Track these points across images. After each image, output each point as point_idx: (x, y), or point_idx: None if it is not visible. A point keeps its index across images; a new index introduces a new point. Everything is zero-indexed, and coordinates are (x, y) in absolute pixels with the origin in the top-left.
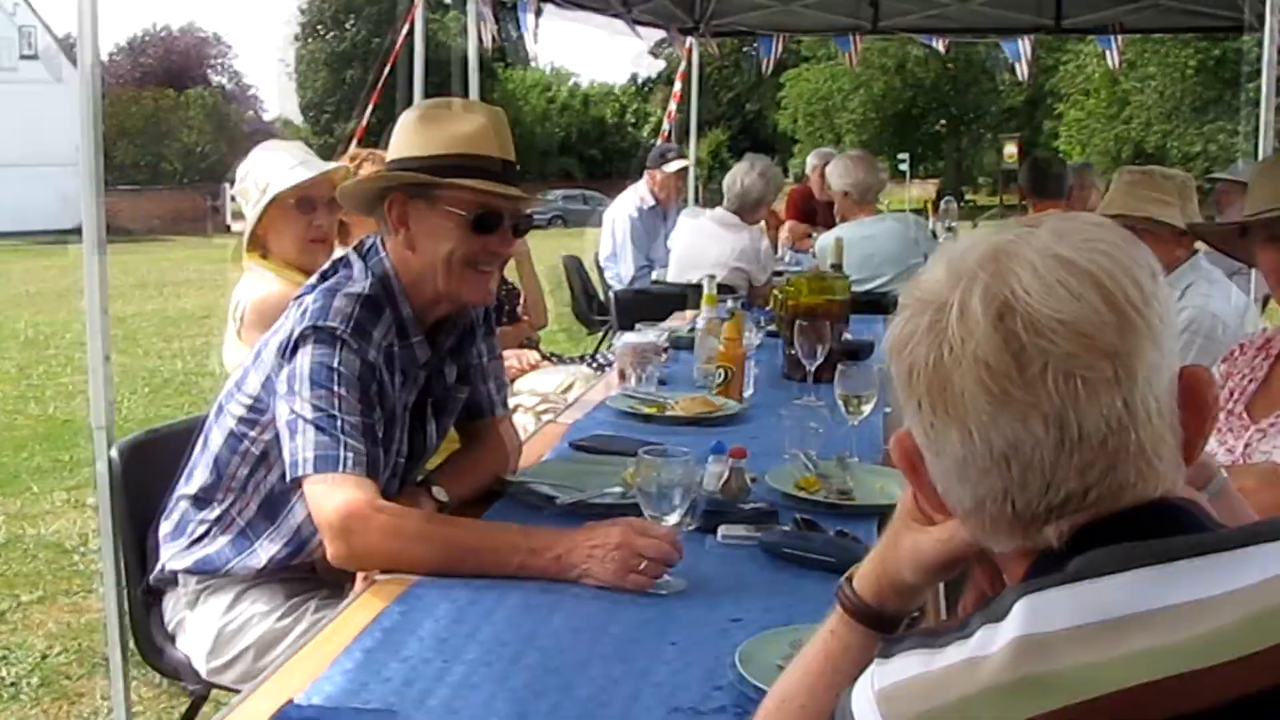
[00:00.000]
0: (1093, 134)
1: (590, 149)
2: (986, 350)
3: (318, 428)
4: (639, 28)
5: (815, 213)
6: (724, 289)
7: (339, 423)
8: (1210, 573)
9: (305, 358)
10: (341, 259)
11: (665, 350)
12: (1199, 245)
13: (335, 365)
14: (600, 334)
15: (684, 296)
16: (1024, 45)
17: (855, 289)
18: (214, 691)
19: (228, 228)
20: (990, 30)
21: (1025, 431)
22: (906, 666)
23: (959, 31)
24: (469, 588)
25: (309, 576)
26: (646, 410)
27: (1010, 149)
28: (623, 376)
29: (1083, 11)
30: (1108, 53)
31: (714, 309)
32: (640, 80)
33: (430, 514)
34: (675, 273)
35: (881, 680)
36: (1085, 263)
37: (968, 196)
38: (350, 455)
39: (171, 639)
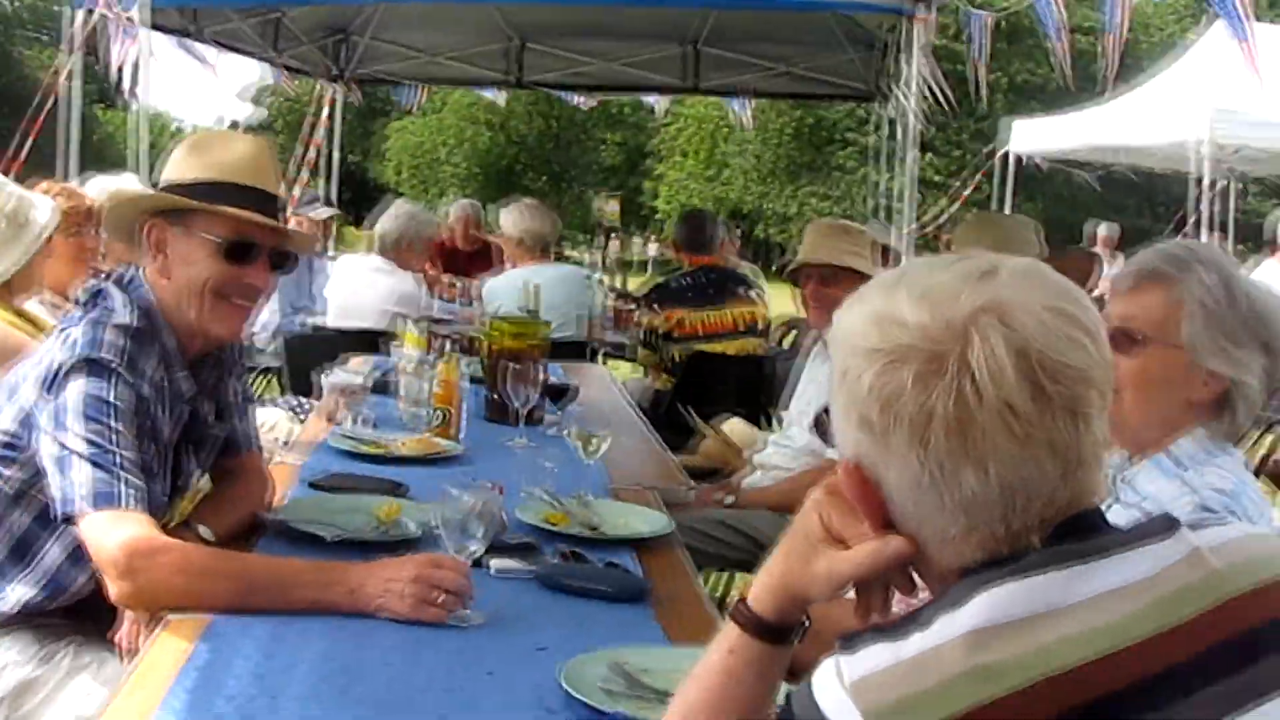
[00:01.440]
0: (691, 194)
1: None
2: (1012, 395)
3: (94, 463)
4: (232, 64)
5: (457, 262)
6: (384, 334)
7: (116, 458)
8: (1119, 567)
9: (76, 391)
10: (98, 291)
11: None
12: None
13: (109, 399)
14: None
15: (349, 340)
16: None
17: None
18: None
19: None
20: (628, 88)
21: (1036, 467)
22: (876, 656)
23: (602, 89)
24: (267, 623)
25: (65, 622)
26: (371, 450)
27: (613, 206)
28: (330, 418)
29: (719, 75)
30: (741, 114)
31: (419, 351)
32: (230, 125)
33: (217, 550)
34: (336, 318)
35: (852, 672)
36: (1075, 311)
37: (568, 252)
38: (131, 491)
39: None
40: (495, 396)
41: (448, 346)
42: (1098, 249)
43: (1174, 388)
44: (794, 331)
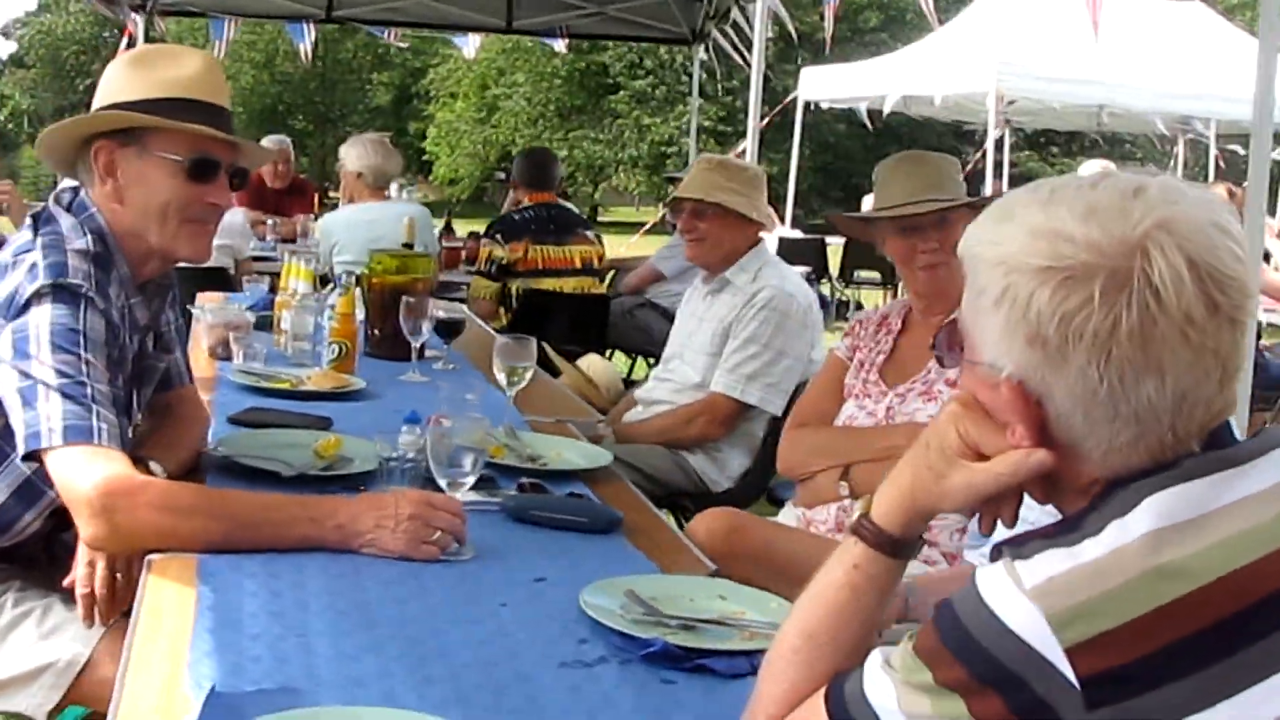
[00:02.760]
0: (461, 135)
1: None
2: (1191, 306)
3: (65, 395)
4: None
5: (266, 200)
6: (213, 271)
7: (89, 390)
8: (1261, 472)
9: (44, 318)
10: (41, 214)
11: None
12: (762, 234)
13: (80, 327)
14: None
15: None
16: (307, 29)
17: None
18: None
19: None
20: (444, 26)
21: (1205, 374)
22: (1052, 561)
23: (415, 25)
24: (253, 561)
25: (3, 565)
26: (278, 385)
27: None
28: (214, 355)
29: (532, 14)
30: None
31: (306, 284)
32: None
33: (199, 487)
34: None
35: (1031, 577)
36: (1230, 225)
37: (331, 194)
38: (105, 426)
39: None
40: (376, 332)
41: (344, 278)
42: None
43: None
44: (613, 272)
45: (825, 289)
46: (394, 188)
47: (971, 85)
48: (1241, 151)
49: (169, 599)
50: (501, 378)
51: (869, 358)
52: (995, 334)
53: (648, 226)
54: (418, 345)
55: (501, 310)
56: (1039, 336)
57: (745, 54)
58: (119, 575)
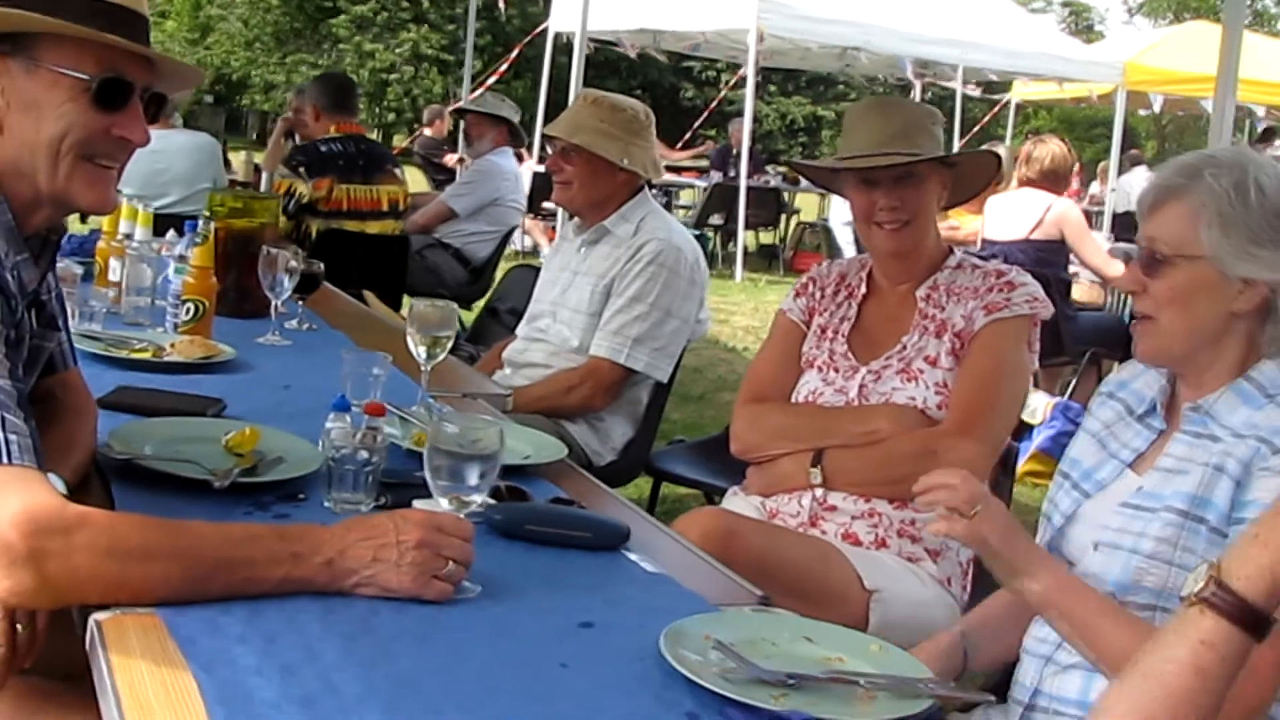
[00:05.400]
0: (173, 55)
1: None
2: None
3: None
4: None
5: None
6: None
7: None
8: None
9: None
10: None
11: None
12: (644, 184)
13: None
14: None
15: None
16: None
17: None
18: None
19: None
20: None
21: None
22: None
23: None
24: (233, 616)
25: None
26: (136, 355)
27: None
28: None
29: None
30: None
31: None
32: None
33: (148, 520)
34: None
35: None
36: None
37: None
38: (14, 438)
39: None
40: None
41: (200, 223)
42: None
43: (1211, 301)
44: None
45: None
46: (177, 116)
47: (731, 21)
48: (979, 95)
49: (147, 671)
50: (421, 351)
51: (831, 324)
52: None
53: None
54: (279, 302)
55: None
56: None
57: None
58: (19, 626)
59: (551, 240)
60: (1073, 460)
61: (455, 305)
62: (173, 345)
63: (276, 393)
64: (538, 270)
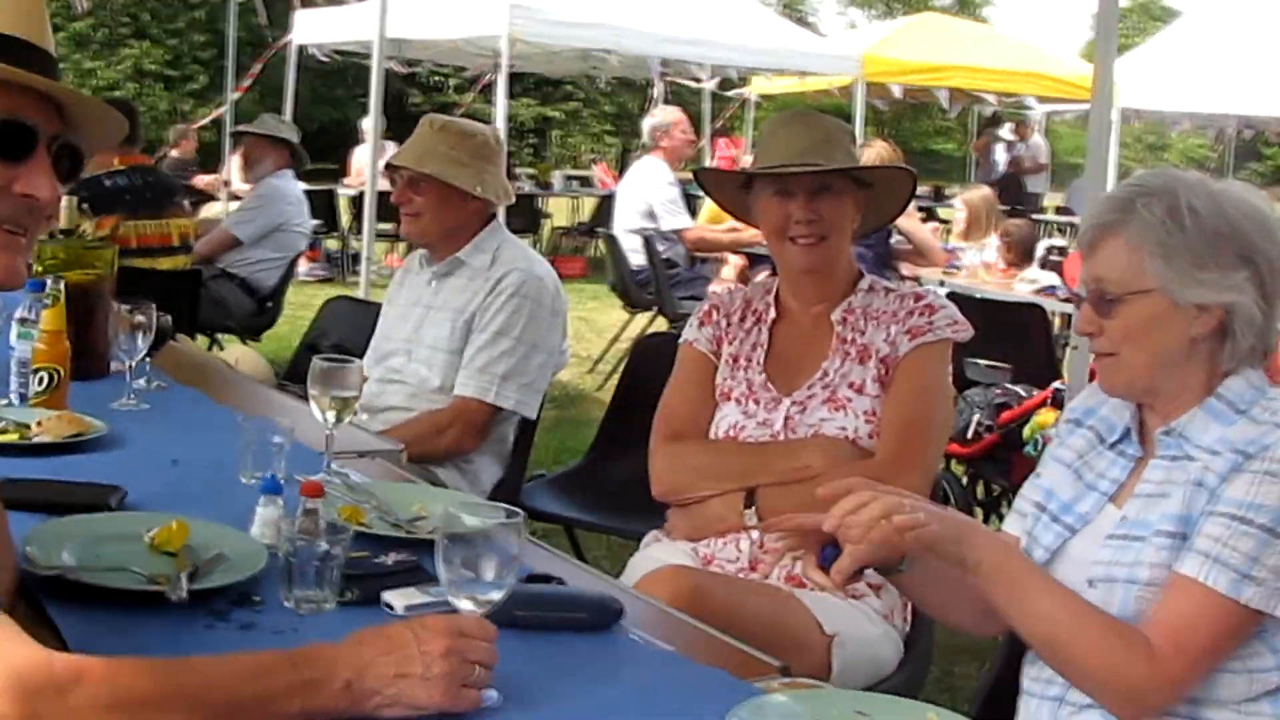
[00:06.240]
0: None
1: None
2: None
3: None
4: None
5: None
6: None
7: None
8: None
9: None
10: None
11: None
12: (495, 211)
13: None
14: None
15: None
16: None
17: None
18: None
19: None
20: None
21: None
22: None
23: None
24: None
25: None
26: (3, 439)
27: None
28: None
29: None
30: None
31: None
32: None
33: (150, 662)
34: None
35: None
36: None
37: None
38: None
39: None
40: None
41: (49, 282)
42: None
43: (1168, 331)
44: None
45: (334, 244)
46: None
47: (482, 28)
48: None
49: None
50: (329, 415)
51: (742, 351)
52: None
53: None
54: (132, 363)
55: None
56: None
57: None
58: None
59: None
60: (1047, 491)
61: (357, 362)
62: (39, 423)
63: (165, 470)
64: (359, 302)
